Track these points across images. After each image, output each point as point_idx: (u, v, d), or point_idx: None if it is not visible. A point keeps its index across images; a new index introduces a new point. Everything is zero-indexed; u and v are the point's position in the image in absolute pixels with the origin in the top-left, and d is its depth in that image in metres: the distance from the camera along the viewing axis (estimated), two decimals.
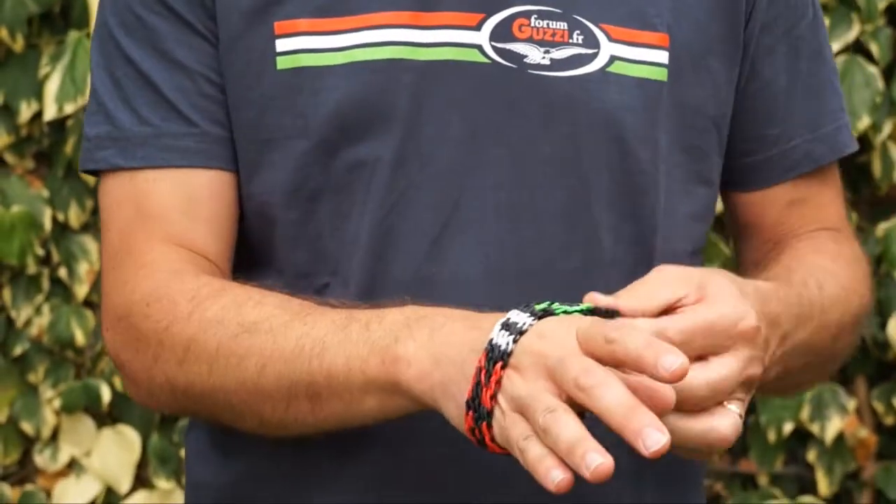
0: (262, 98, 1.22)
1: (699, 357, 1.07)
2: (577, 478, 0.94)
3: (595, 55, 1.22)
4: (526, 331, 1.02)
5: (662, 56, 1.24)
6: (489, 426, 1.01)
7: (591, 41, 1.22)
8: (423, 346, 1.06)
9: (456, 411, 1.03)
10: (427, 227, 1.21)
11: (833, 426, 2.74)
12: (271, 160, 1.23)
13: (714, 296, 1.08)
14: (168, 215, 1.24)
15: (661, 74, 1.23)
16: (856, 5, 2.67)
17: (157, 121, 1.24)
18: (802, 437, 2.78)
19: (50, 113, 2.64)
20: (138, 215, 1.24)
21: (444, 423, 1.06)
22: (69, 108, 2.62)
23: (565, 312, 1.04)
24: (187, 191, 1.24)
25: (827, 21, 2.69)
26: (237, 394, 1.16)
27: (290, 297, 1.17)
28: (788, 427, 2.73)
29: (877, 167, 2.74)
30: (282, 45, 1.22)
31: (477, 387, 1.01)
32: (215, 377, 1.17)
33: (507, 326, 1.03)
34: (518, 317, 1.03)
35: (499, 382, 1.01)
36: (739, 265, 1.39)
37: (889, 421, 2.80)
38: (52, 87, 2.63)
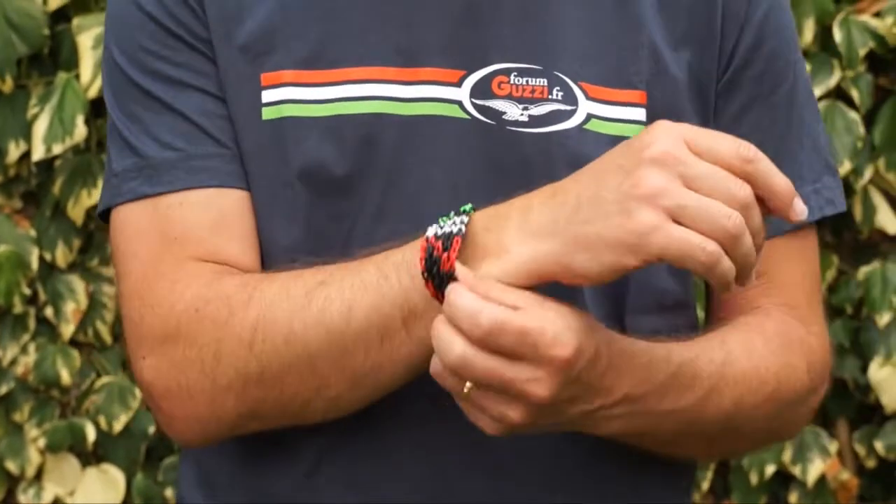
0: (250, 148, 1.24)
1: None
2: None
3: (573, 112, 1.24)
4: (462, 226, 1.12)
5: (640, 113, 1.25)
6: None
7: (570, 98, 1.24)
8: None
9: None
10: None
11: (815, 468, 2.76)
12: (258, 210, 1.25)
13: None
14: (197, 235, 1.23)
15: (637, 131, 1.23)
16: (836, 52, 2.70)
17: (182, 144, 1.24)
18: (785, 478, 2.79)
19: (38, 153, 2.65)
20: (164, 241, 1.23)
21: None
22: (57, 149, 2.64)
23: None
24: (218, 209, 1.24)
25: (808, 67, 2.72)
26: (322, 352, 1.15)
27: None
28: (770, 469, 2.75)
29: (858, 212, 2.77)
30: (267, 95, 1.23)
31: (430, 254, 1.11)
32: (294, 345, 1.16)
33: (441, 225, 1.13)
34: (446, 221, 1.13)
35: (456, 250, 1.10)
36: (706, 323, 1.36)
37: (870, 464, 2.81)
38: (40, 127, 2.64)
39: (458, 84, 1.23)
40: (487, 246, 1.11)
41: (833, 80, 2.71)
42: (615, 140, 1.22)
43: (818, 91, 2.71)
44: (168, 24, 1.25)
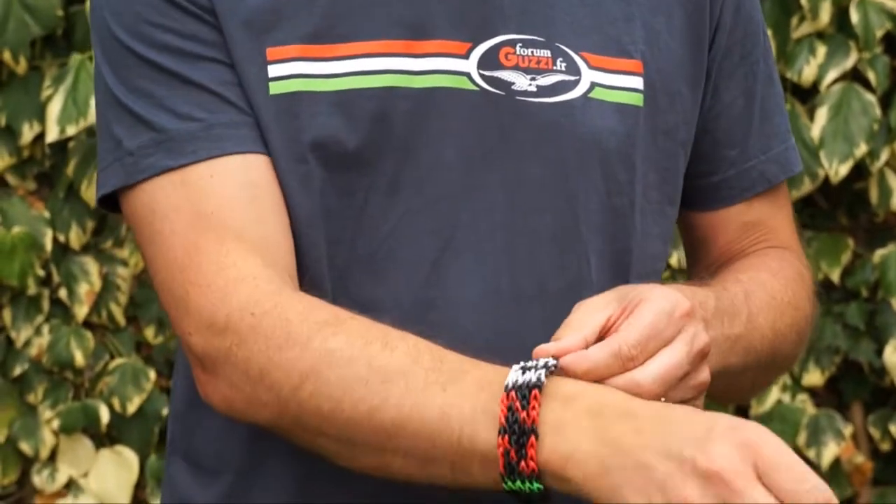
0: (258, 122, 1.23)
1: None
2: None
3: (577, 82, 1.25)
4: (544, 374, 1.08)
5: (638, 82, 1.27)
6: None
7: (573, 68, 1.25)
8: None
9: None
10: (426, 251, 1.23)
11: (829, 452, 2.75)
12: None
13: (640, 299, 1.13)
14: (234, 211, 1.21)
15: (637, 100, 1.27)
16: (853, 33, 2.69)
17: (203, 114, 1.22)
18: None
19: (52, 135, 2.65)
20: (200, 216, 1.20)
21: None
22: (71, 130, 2.64)
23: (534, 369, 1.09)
24: (249, 178, 1.21)
25: (824, 49, 2.71)
26: (360, 441, 1.13)
27: (416, 340, 1.14)
28: None
29: (874, 194, 2.76)
30: (274, 70, 1.22)
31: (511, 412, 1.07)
32: (336, 419, 1.14)
33: (525, 369, 1.09)
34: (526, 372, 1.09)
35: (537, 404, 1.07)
36: (689, 280, 1.41)
37: (885, 447, 2.81)
38: (54, 108, 2.64)
39: (466, 56, 1.23)
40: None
41: (850, 62, 2.70)
42: (618, 108, 1.25)
43: (834, 73, 2.70)
44: None
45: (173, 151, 1.22)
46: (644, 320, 1.11)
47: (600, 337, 1.12)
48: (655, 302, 1.12)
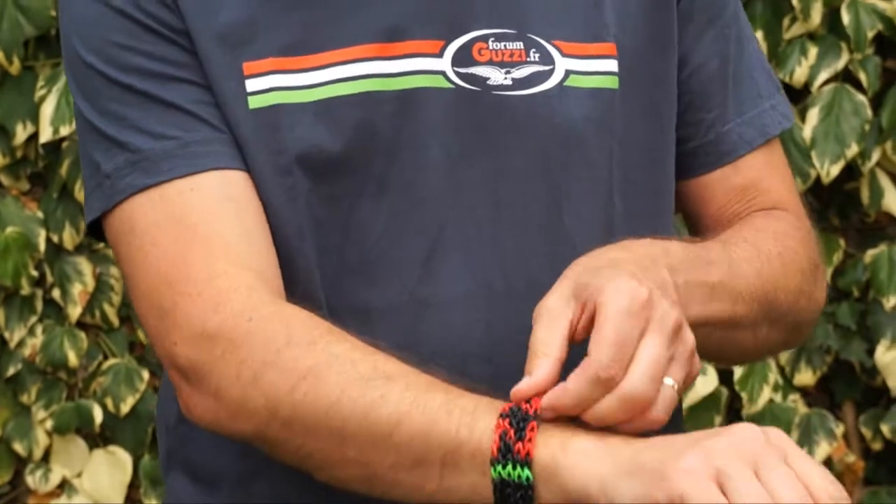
0: (236, 138, 1.23)
1: None
2: None
3: (552, 71, 1.25)
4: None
5: (612, 65, 1.27)
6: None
7: (547, 58, 1.25)
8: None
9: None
10: (416, 251, 1.23)
11: (821, 451, 2.76)
12: None
13: (595, 299, 1.10)
14: (218, 224, 1.20)
15: (612, 83, 1.27)
16: (845, 34, 2.70)
17: (177, 133, 1.21)
18: None
19: (45, 135, 2.65)
20: (184, 228, 1.20)
21: None
22: (64, 131, 2.64)
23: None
24: (229, 193, 1.21)
25: (816, 50, 2.72)
26: (354, 441, 1.12)
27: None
28: None
29: (865, 194, 2.76)
30: (252, 84, 1.22)
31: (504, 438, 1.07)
32: (332, 419, 1.13)
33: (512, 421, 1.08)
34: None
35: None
36: None
37: (877, 446, 2.81)
38: (47, 109, 2.65)
39: (440, 54, 1.23)
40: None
41: (841, 63, 2.71)
42: (594, 93, 1.26)
43: (825, 74, 2.71)
44: (140, 17, 1.22)
45: (149, 171, 1.21)
46: (608, 331, 1.08)
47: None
48: (612, 302, 1.09)
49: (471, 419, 1.09)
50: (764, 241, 1.30)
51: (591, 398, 1.07)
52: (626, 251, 1.17)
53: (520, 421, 1.07)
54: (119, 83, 1.23)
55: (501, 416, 1.08)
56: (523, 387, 1.09)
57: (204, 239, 1.19)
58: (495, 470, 1.07)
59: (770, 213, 1.36)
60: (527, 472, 1.06)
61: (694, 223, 1.40)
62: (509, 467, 1.07)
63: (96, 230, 1.27)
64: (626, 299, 1.09)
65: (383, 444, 1.12)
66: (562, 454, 1.06)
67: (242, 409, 1.16)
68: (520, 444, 1.07)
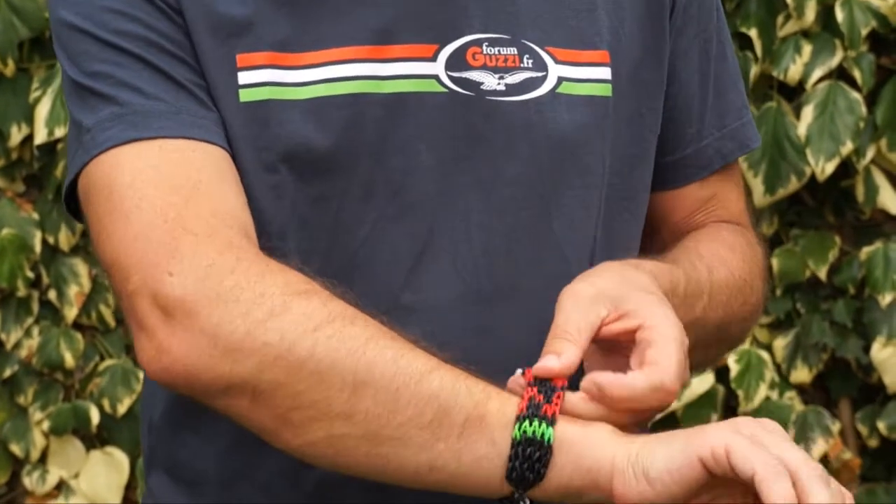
0: (227, 130, 1.21)
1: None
2: None
3: (545, 78, 1.26)
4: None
5: (605, 73, 1.27)
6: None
7: (540, 64, 1.26)
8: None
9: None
10: (403, 256, 1.23)
11: (818, 449, 2.76)
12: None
13: (646, 323, 1.15)
14: (211, 187, 1.16)
15: (605, 90, 1.27)
16: (839, 32, 2.70)
17: (170, 98, 1.18)
18: None
19: (40, 137, 2.65)
20: (174, 186, 1.15)
21: None
22: (59, 132, 2.64)
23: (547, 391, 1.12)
24: (218, 166, 1.18)
25: (810, 48, 2.72)
26: (377, 388, 1.10)
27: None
28: None
29: (860, 191, 2.77)
30: (244, 77, 1.21)
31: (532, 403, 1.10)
32: (359, 361, 1.11)
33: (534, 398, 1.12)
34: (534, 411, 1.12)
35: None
36: (643, 255, 1.40)
37: (873, 443, 2.82)
38: (42, 110, 2.65)
39: (433, 58, 1.23)
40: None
41: (835, 60, 2.71)
42: (587, 101, 1.26)
43: (820, 72, 2.71)
44: None
45: (138, 125, 1.17)
46: (673, 351, 1.14)
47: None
48: (668, 329, 1.15)
49: (496, 391, 1.12)
50: (736, 267, 1.35)
51: (641, 401, 1.12)
52: (649, 275, 1.22)
53: (547, 390, 1.11)
54: (111, 44, 1.19)
55: (529, 384, 1.11)
56: (554, 365, 1.12)
57: (208, 196, 1.16)
58: (520, 427, 1.09)
59: (736, 231, 1.40)
60: (550, 430, 1.09)
61: (654, 229, 1.40)
62: (535, 423, 1.09)
63: (74, 206, 1.22)
64: (678, 331, 1.15)
65: (406, 392, 1.10)
66: (583, 428, 1.10)
67: (242, 346, 1.11)
68: (547, 406, 1.10)
